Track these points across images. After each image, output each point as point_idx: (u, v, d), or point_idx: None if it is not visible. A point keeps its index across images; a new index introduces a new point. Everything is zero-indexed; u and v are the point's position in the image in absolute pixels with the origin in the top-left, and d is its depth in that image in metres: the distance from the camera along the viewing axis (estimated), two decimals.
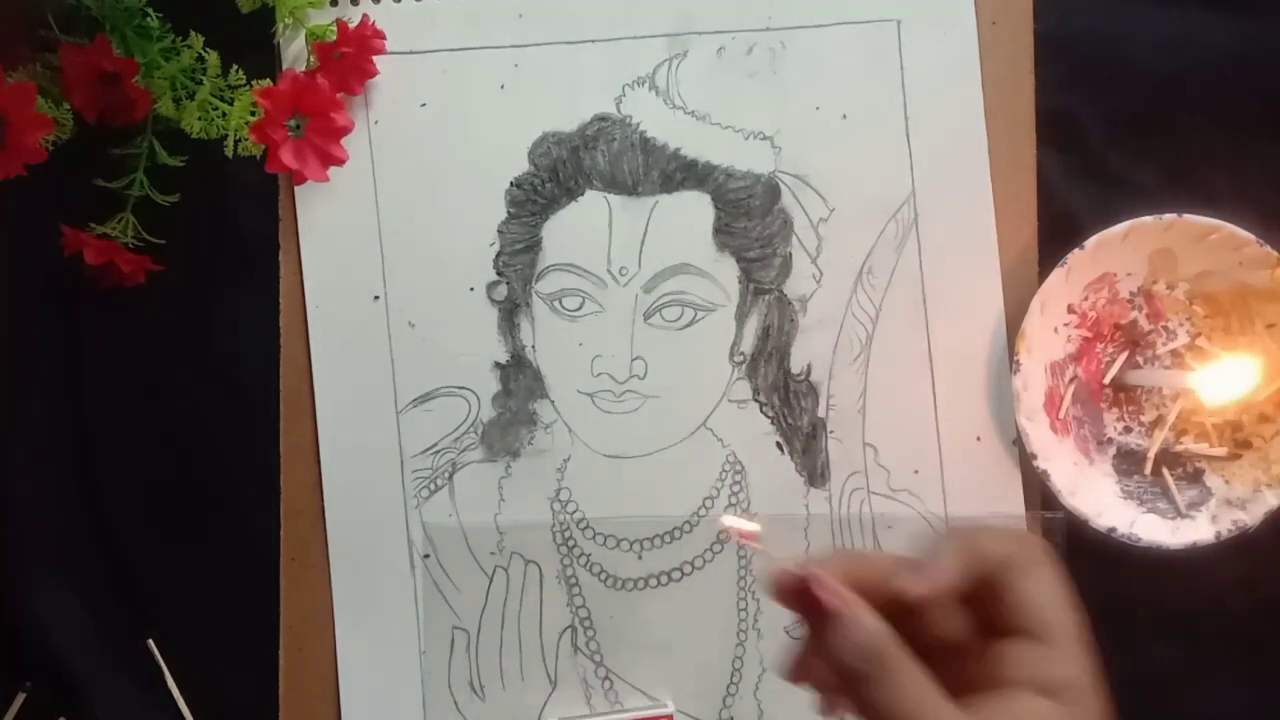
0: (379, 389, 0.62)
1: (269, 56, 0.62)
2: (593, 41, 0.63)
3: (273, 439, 0.61)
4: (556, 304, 0.62)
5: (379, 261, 0.62)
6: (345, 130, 0.60)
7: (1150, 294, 0.61)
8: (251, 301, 0.62)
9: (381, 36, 0.61)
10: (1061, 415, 0.61)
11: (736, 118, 0.62)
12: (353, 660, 0.61)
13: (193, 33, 0.59)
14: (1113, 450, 0.61)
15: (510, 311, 0.62)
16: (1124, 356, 0.61)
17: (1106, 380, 0.61)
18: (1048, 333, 0.61)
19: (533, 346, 0.62)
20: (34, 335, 0.62)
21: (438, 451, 0.62)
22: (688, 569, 0.62)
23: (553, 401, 0.62)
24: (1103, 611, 0.60)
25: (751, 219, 0.62)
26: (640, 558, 0.61)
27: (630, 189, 0.62)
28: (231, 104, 0.59)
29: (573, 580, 0.62)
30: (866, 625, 0.39)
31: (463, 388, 0.62)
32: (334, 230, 0.62)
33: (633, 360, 0.62)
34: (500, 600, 0.61)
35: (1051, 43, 0.62)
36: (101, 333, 0.62)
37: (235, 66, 0.59)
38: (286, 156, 0.58)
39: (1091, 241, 0.58)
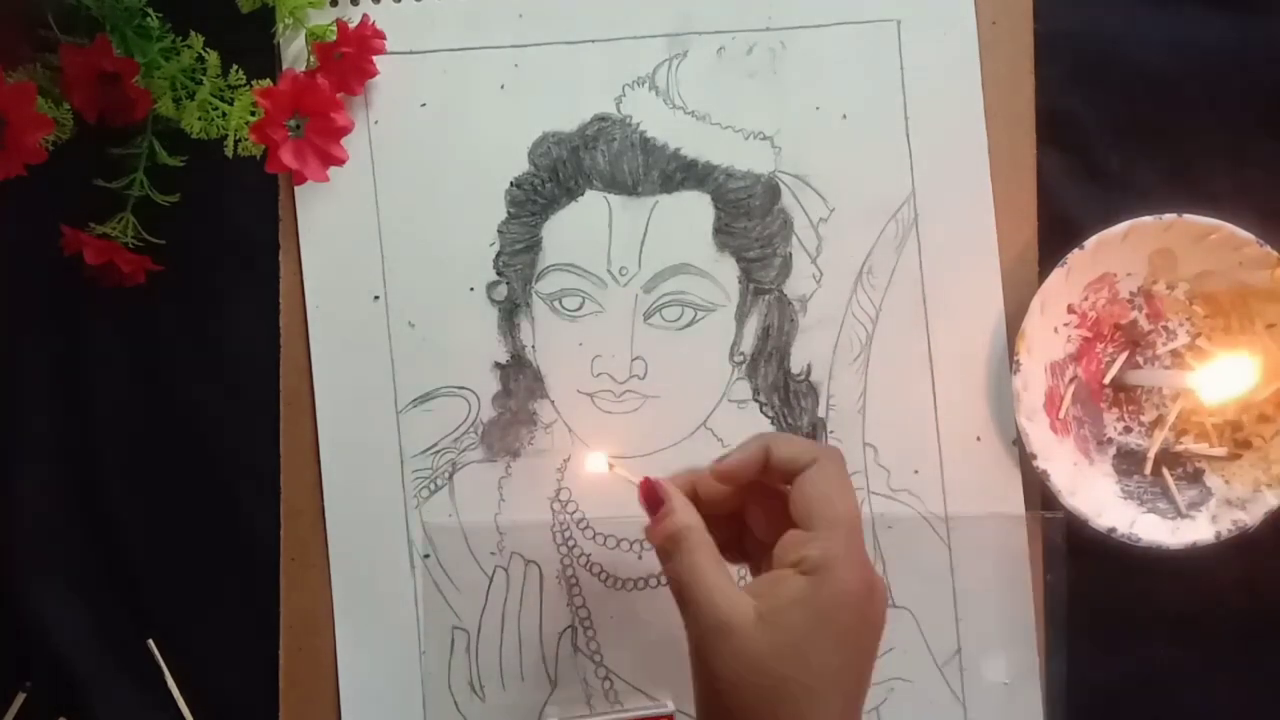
0: (379, 389, 0.62)
1: (269, 56, 0.62)
2: (593, 41, 0.63)
3: (273, 439, 0.61)
4: (556, 304, 0.62)
5: (379, 261, 0.62)
6: (345, 130, 0.60)
7: (1150, 294, 0.61)
8: (251, 301, 0.62)
9: (381, 36, 0.61)
10: (1061, 415, 0.61)
11: (736, 118, 0.62)
12: (353, 660, 0.61)
13: (193, 33, 0.59)
14: (1113, 450, 0.61)
15: (510, 311, 0.62)
16: (1124, 356, 0.61)
17: (1106, 380, 0.61)
18: (1048, 333, 0.61)
19: (533, 346, 0.62)
20: (34, 335, 0.62)
21: (438, 451, 0.62)
22: None
23: (553, 401, 0.62)
24: (1103, 611, 0.61)
25: (751, 219, 0.62)
26: (640, 558, 0.61)
27: (630, 189, 0.62)
28: (231, 104, 0.59)
29: (573, 580, 0.62)
30: (675, 514, 0.49)
31: (463, 388, 0.62)
32: (334, 230, 0.62)
33: (633, 360, 0.62)
34: (500, 600, 0.61)
35: (1051, 43, 0.62)
36: (101, 333, 0.62)
37: (235, 66, 0.60)
38: (286, 156, 0.58)
39: (1091, 241, 0.58)
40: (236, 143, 0.59)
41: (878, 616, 0.48)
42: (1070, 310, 0.61)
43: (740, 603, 0.47)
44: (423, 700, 0.61)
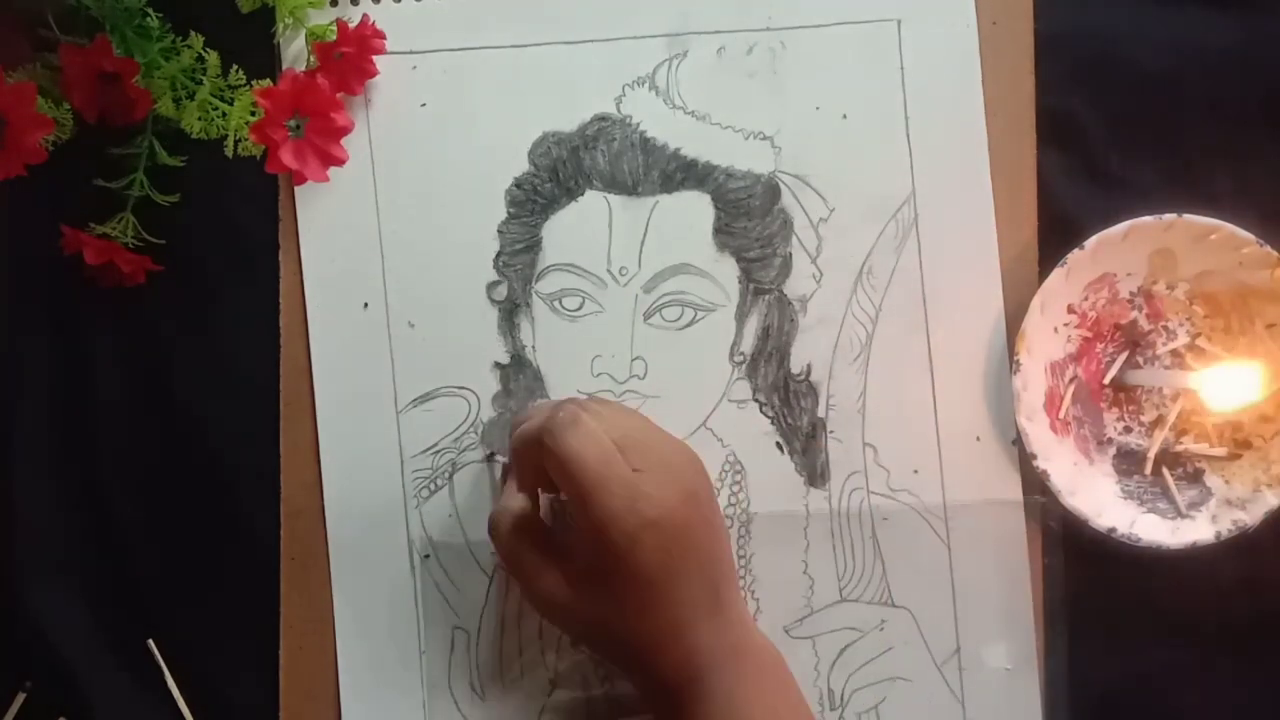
0: (379, 389, 0.62)
1: (269, 56, 0.62)
2: (592, 41, 0.63)
3: (273, 439, 0.61)
4: (556, 304, 0.62)
5: (379, 261, 0.62)
6: (345, 130, 0.60)
7: (1150, 294, 0.61)
8: (251, 301, 0.62)
9: (381, 36, 0.61)
10: (1061, 415, 0.61)
11: (736, 118, 0.62)
12: (353, 660, 0.61)
13: (193, 33, 0.59)
14: (1113, 450, 0.61)
15: (510, 311, 0.62)
16: (1124, 356, 0.61)
17: (1106, 380, 0.61)
18: (1048, 333, 0.61)
19: (533, 346, 0.62)
20: (34, 335, 0.62)
21: (438, 451, 0.62)
22: None
23: None
24: (1103, 611, 0.61)
25: (751, 219, 0.62)
26: None
27: (630, 189, 0.62)
28: (231, 104, 0.59)
29: None
30: (499, 501, 0.56)
31: (463, 388, 0.62)
32: (334, 230, 0.62)
33: (633, 360, 0.62)
34: (500, 600, 0.61)
35: (1051, 42, 0.62)
36: (101, 333, 0.62)
37: (235, 66, 0.60)
38: (286, 156, 0.58)
39: (1091, 241, 0.58)
40: (236, 143, 0.59)
41: (655, 514, 0.50)
42: (1070, 310, 0.61)
43: (548, 574, 0.53)
44: (423, 700, 0.61)
